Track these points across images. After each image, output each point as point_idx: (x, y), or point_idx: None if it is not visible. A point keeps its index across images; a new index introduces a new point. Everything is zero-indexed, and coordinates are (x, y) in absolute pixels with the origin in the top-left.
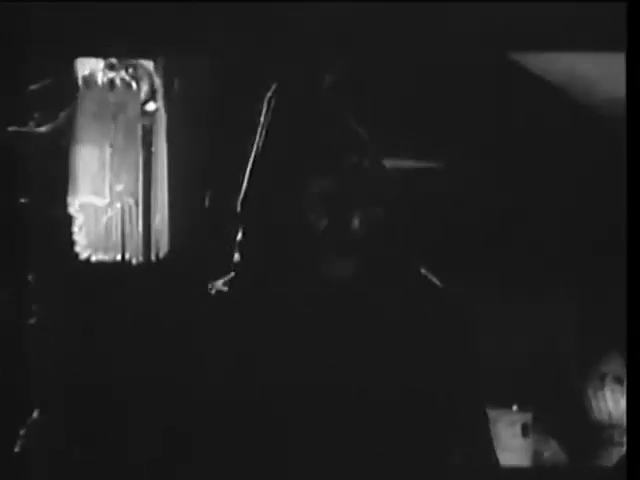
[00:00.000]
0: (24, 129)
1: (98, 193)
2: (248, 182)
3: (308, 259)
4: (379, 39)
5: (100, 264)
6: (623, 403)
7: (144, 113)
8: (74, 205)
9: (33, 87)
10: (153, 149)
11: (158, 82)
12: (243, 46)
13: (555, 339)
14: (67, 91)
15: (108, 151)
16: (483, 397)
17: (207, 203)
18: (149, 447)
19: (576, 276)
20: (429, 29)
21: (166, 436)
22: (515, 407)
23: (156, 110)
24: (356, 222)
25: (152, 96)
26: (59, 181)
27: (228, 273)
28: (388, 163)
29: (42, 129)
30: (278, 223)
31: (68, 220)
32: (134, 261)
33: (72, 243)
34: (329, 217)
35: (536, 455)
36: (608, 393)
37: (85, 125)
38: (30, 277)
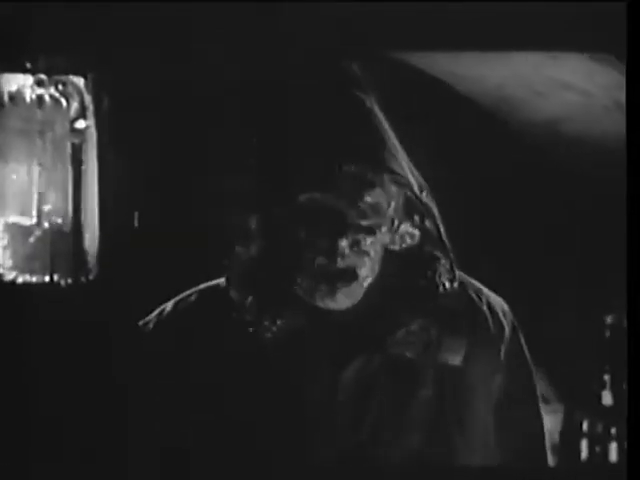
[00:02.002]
0: None
1: (25, 213)
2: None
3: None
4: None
5: (27, 285)
6: None
7: (74, 130)
8: None
9: None
10: (83, 167)
11: (88, 99)
12: (175, 62)
13: None
14: None
15: (36, 169)
16: None
17: (136, 223)
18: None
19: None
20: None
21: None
22: None
23: (86, 127)
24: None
25: (82, 113)
26: None
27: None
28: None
29: None
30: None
31: None
32: (63, 283)
33: None
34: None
35: None
36: None
37: (11, 143)
38: None
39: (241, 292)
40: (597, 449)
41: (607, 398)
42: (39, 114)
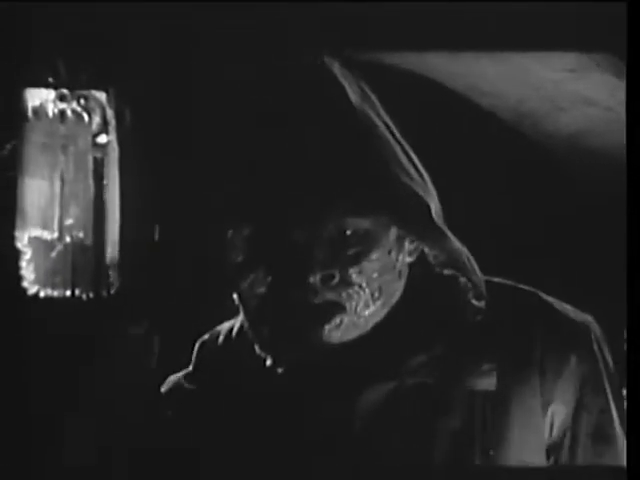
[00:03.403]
0: None
1: (47, 227)
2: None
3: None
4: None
5: (49, 299)
6: None
7: (96, 145)
8: (22, 239)
9: None
10: (105, 182)
11: (110, 113)
12: (195, 76)
13: None
14: (15, 122)
15: (58, 184)
16: None
17: (156, 237)
18: None
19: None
20: None
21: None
22: None
23: (108, 142)
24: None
25: (104, 128)
26: (6, 214)
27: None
28: None
29: None
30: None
31: (16, 255)
32: (84, 297)
33: (20, 278)
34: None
35: None
36: None
37: (34, 157)
38: None
39: (254, 328)
40: None
41: None
42: (61, 129)
